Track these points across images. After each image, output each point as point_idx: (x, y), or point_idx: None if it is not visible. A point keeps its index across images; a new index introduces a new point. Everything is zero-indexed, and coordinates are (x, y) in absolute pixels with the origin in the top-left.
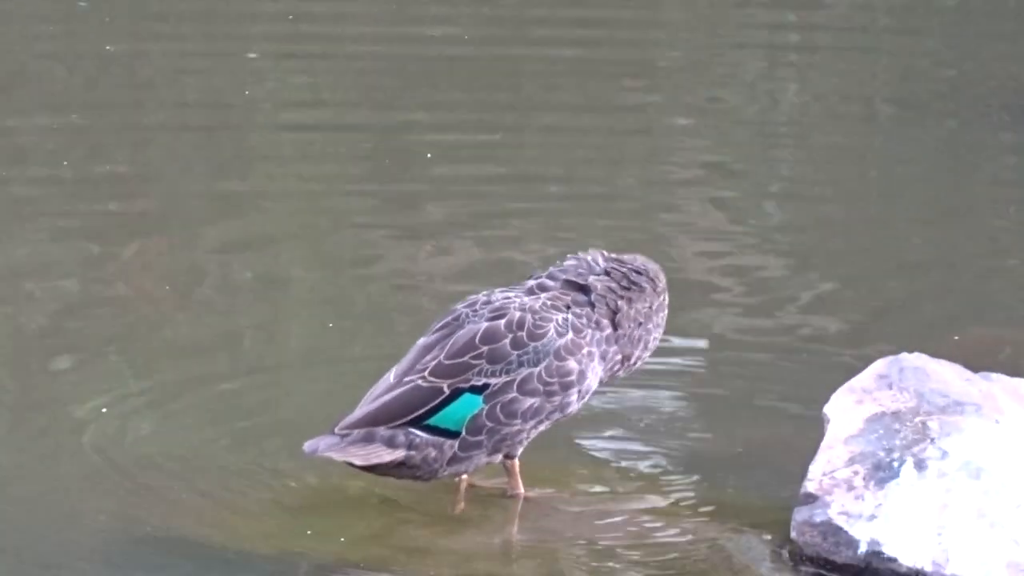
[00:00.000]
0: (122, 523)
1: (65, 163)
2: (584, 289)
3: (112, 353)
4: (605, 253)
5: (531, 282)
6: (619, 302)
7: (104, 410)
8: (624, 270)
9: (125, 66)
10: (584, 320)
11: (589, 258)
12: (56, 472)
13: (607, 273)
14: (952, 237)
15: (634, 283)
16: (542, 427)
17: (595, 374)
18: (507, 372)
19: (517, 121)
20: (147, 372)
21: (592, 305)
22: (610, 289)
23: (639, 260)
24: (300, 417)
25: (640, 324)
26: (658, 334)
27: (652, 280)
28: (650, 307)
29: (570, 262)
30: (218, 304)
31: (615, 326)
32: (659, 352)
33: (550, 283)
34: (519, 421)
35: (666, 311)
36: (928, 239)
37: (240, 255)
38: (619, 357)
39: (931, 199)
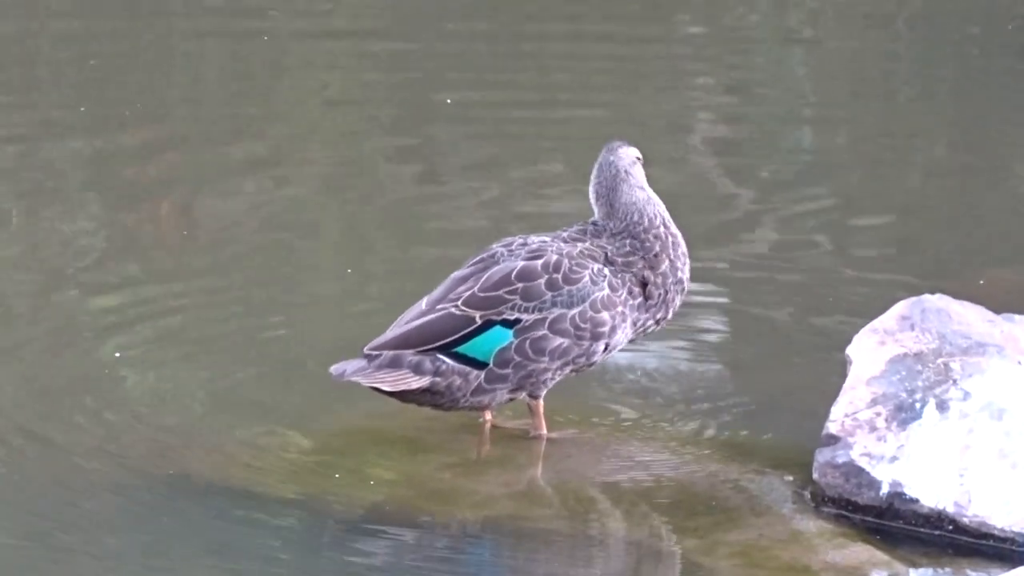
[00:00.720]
0: (147, 467)
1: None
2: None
3: (134, 296)
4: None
5: (565, 232)
6: (645, 272)
7: (124, 353)
8: (634, 235)
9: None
10: (620, 280)
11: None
12: (78, 414)
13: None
14: (976, 179)
15: (647, 248)
16: (566, 371)
17: (624, 334)
18: (540, 310)
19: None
20: (168, 315)
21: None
22: (628, 263)
23: (635, 212)
24: (323, 360)
25: (666, 290)
26: (685, 278)
27: (656, 233)
28: (670, 263)
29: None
30: (240, 246)
31: (646, 296)
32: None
33: (581, 235)
34: (546, 359)
35: (683, 254)
36: (952, 181)
37: (264, 197)
38: (651, 322)
39: (956, 139)
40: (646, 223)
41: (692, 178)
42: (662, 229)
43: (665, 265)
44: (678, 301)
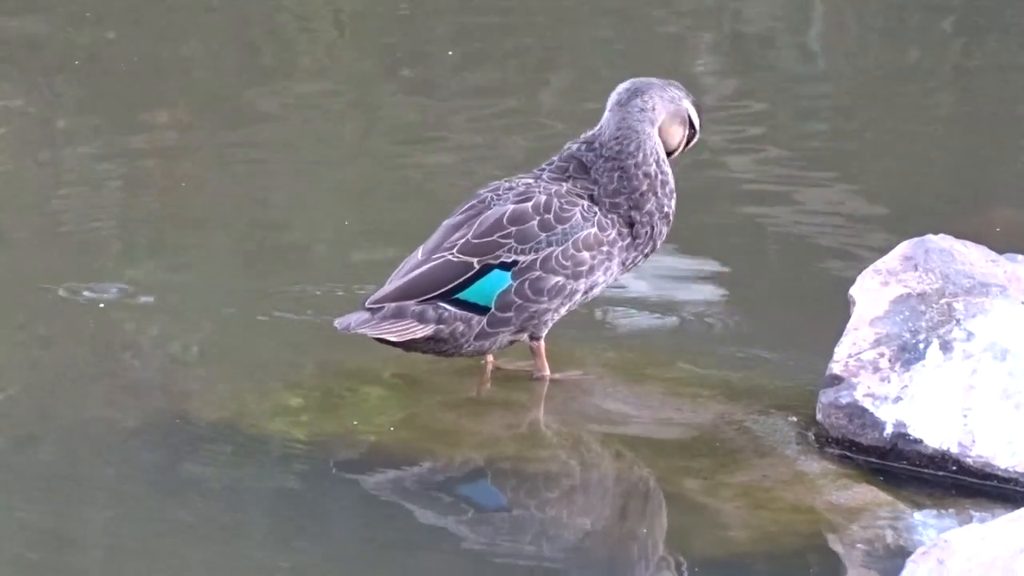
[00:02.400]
0: (153, 412)
1: (88, 15)
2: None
3: (138, 240)
4: (585, 144)
5: (545, 171)
6: (631, 213)
7: (130, 298)
8: (623, 168)
9: None
10: (609, 220)
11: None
12: (83, 360)
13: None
14: (978, 118)
15: (635, 186)
16: (565, 308)
17: (609, 274)
18: (536, 251)
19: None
20: (164, 266)
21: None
22: (615, 204)
23: (633, 141)
24: (324, 306)
25: (652, 226)
26: (670, 212)
27: (646, 171)
28: (656, 200)
29: (572, 149)
30: (241, 196)
31: (633, 236)
32: (685, 240)
33: (561, 174)
34: (546, 299)
35: (671, 191)
36: (953, 120)
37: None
38: (640, 258)
39: (957, 80)
40: (640, 157)
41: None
42: (654, 168)
43: (651, 203)
44: (664, 231)
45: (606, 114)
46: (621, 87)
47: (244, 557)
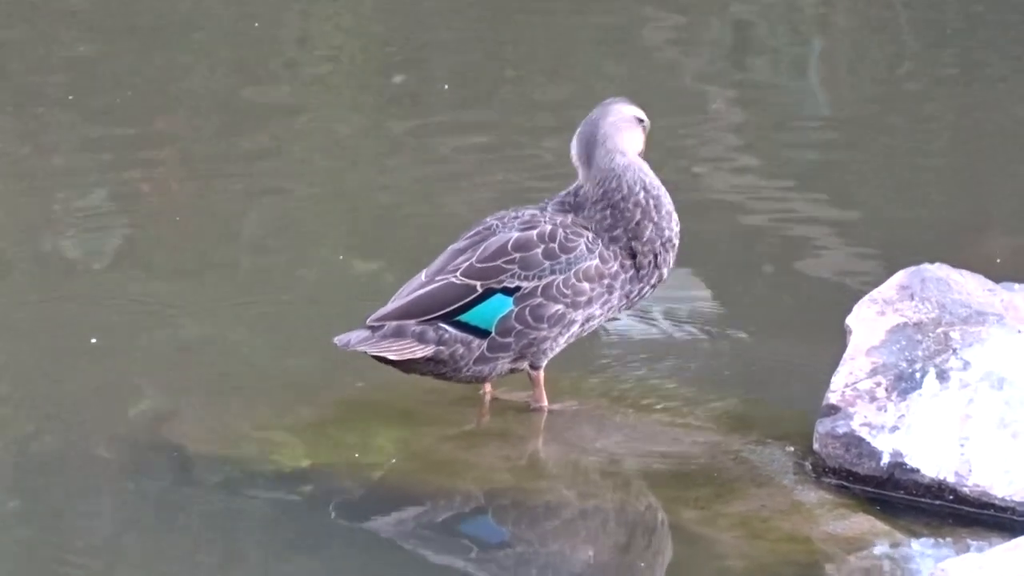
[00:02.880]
0: (148, 440)
1: (81, 48)
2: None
3: (136, 264)
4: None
5: (549, 205)
6: (632, 244)
7: (125, 325)
8: (613, 205)
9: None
10: (611, 252)
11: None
12: (82, 385)
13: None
14: (974, 146)
15: (628, 218)
16: (564, 339)
17: (605, 307)
18: (539, 278)
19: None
20: (165, 286)
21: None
22: (615, 238)
23: (613, 179)
24: (322, 333)
25: (655, 254)
26: (673, 235)
27: (635, 200)
28: (654, 226)
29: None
30: (237, 225)
31: (637, 267)
32: (684, 266)
33: (562, 208)
34: (546, 326)
35: (668, 213)
36: (949, 150)
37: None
38: (647, 289)
39: (953, 108)
40: (625, 191)
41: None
42: (642, 195)
43: (649, 230)
44: (671, 258)
45: (579, 172)
46: (574, 147)
47: None
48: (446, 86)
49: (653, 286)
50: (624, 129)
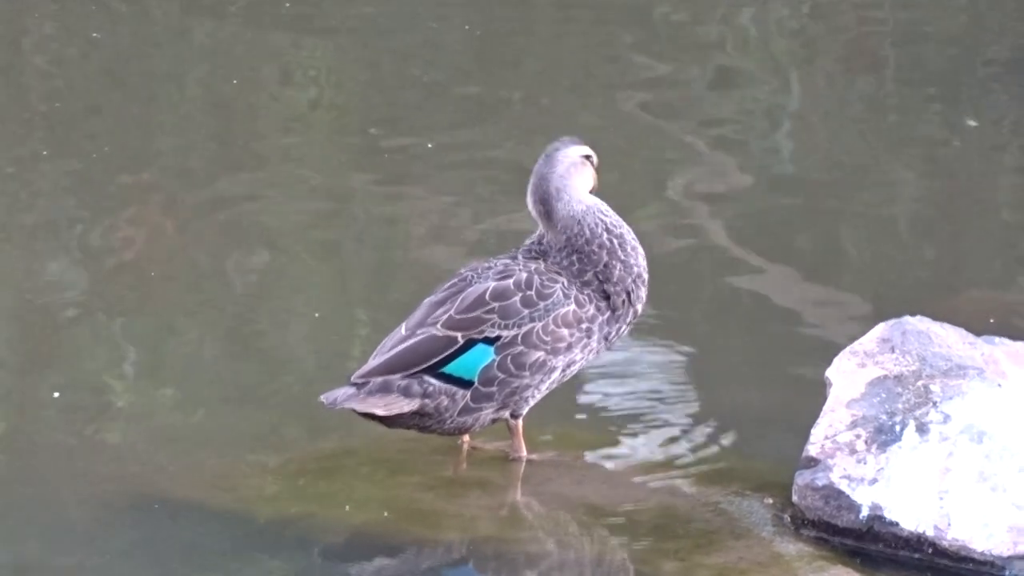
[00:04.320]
0: (119, 491)
1: (58, 105)
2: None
3: (116, 316)
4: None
5: (520, 253)
6: (605, 287)
7: (111, 374)
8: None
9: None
10: (585, 296)
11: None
12: (60, 434)
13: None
14: (952, 199)
15: (595, 261)
16: (545, 386)
17: (586, 351)
18: (518, 326)
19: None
20: (151, 337)
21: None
22: (586, 282)
23: (574, 224)
24: (299, 381)
25: (628, 292)
26: (642, 270)
27: (599, 243)
28: (622, 264)
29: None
30: (218, 265)
31: (612, 308)
32: (661, 316)
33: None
34: (527, 373)
35: (633, 248)
36: (928, 202)
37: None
38: (624, 328)
39: (931, 161)
40: (587, 234)
41: (670, 206)
42: (605, 236)
43: (618, 269)
44: (643, 293)
45: (540, 224)
46: (530, 204)
47: None
48: (429, 144)
49: (629, 324)
50: (574, 174)
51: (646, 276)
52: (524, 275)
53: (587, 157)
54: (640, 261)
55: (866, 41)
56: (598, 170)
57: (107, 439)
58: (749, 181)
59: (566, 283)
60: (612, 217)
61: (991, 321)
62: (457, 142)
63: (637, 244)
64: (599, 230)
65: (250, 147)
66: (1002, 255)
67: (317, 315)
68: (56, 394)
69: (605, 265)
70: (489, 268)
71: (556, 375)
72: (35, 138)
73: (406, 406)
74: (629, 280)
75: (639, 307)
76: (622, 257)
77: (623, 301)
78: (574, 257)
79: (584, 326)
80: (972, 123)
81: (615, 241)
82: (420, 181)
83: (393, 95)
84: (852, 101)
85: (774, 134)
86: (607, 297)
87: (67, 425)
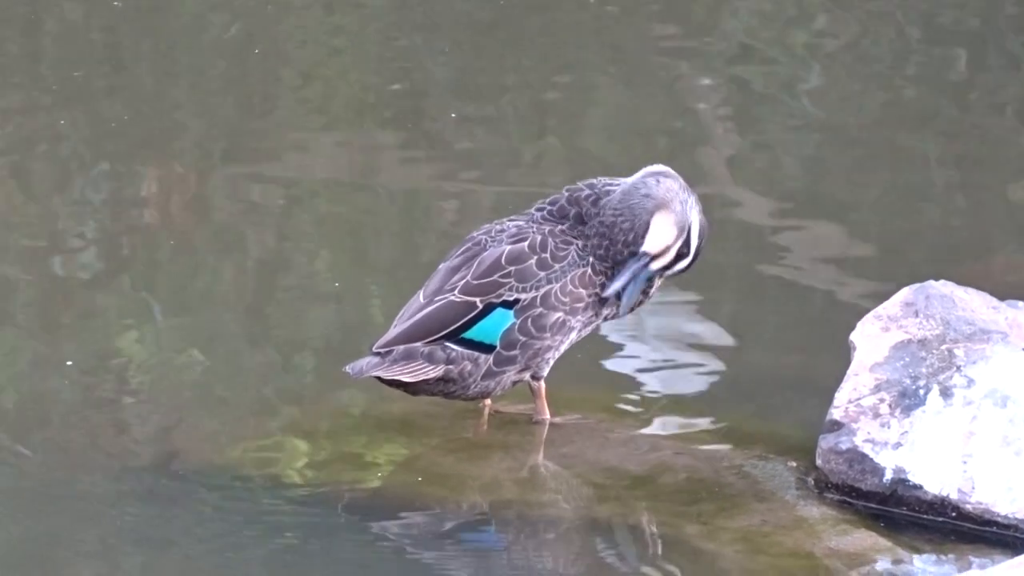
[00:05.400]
0: (147, 456)
1: (76, 71)
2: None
3: (139, 282)
4: (594, 197)
5: (537, 214)
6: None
7: (134, 339)
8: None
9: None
10: (599, 269)
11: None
12: (85, 399)
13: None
14: (976, 164)
15: (617, 259)
16: (564, 346)
17: (599, 316)
18: (536, 288)
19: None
20: (172, 302)
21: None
22: (601, 262)
23: (615, 216)
24: (321, 346)
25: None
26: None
27: (632, 250)
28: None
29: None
30: (240, 232)
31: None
32: (685, 282)
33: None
34: (548, 334)
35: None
36: (951, 166)
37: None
38: (612, 312)
39: (955, 125)
40: (631, 237)
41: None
42: (638, 246)
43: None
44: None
45: (629, 179)
46: (651, 168)
47: None
48: (453, 114)
49: (607, 318)
50: (672, 217)
51: (651, 295)
52: (539, 237)
53: (688, 238)
54: (656, 285)
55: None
56: (676, 264)
57: (125, 404)
58: (772, 147)
59: (580, 245)
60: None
61: (1015, 285)
62: (480, 115)
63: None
64: (641, 241)
65: (271, 114)
66: None
67: (337, 284)
68: (69, 363)
69: (623, 262)
70: (502, 231)
71: (574, 335)
72: (51, 98)
73: (431, 372)
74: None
75: (622, 314)
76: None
77: (616, 297)
78: (606, 243)
79: (596, 290)
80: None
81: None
82: (441, 150)
83: (419, 65)
84: (873, 66)
85: (798, 100)
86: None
87: (83, 392)
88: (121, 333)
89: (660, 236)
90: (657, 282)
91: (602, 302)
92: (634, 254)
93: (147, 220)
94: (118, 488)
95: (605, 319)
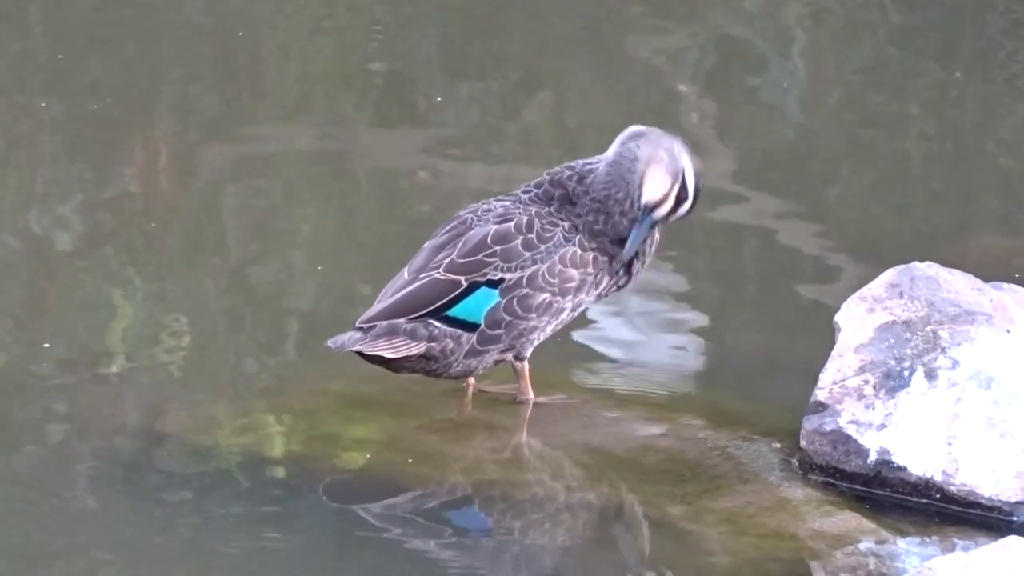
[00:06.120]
0: (134, 431)
1: (60, 56)
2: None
3: (120, 257)
4: (577, 176)
5: (524, 196)
6: (614, 250)
7: (114, 318)
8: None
9: None
10: (591, 246)
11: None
12: (69, 375)
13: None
14: (957, 145)
15: (616, 229)
16: (551, 327)
17: (590, 294)
18: (521, 268)
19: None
20: (154, 281)
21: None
22: (597, 238)
23: (607, 189)
24: (304, 325)
25: (631, 264)
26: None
27: (632, 217)
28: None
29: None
30: (222, 210)
31: (611, 263)
32: (669, 263)
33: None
34: (534, 315)
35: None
36: (937, 148)
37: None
38: (612, 287)
39: (935, 107)
40: (627, 205)
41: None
42: (637, 212)
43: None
44: (641, 269)
45: (608, 151)
46: (626, 132)
47: None
48: (439, 98)
49: (619, 287)
50: (664, 166)
51: (649, 260)
52: (525, 218)
53: (684, 182)
54: (651, 250)
55: None
56: (677, 209)
57: (106, 384)
58: (756, 127)
59: (567, 226)
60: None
61: (999, 267)
62: (467, 94)
63: (657, 241)
64: (637, 206)
65: (255, 93)
66: (1010, 202)
67: (320, 268)
68: (46, 345)
69: (624, 229)
70: (489, 211)
71: (565, 316)
72: (33, 77)
73: (413, 349)
74: (637, 261)
75: (635, 279)
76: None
77: (622, 269)
78: (601, 217)
79: (589, 269)
80: (957, 75)
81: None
82: (424, 127)
83: (403, 46)
84: (858, 47)
85: (780, 79)
86: (608, 255)
87: (62, 372)
88: (101, 312)
89: (656, 186)
90: (657, 235)
91: (609, 276)
92: (635, 221)
93: (129, 199)
94: (97, 469)
95: (619, 288)
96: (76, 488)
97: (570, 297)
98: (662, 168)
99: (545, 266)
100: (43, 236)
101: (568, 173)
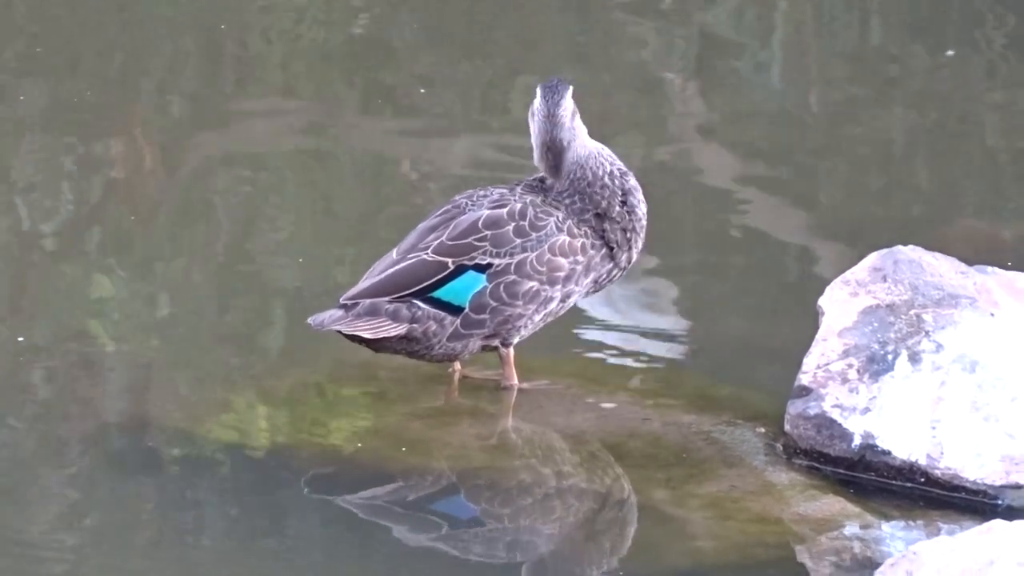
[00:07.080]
0: (119, 420)
1: (38, 49)
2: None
3: (103, 250)
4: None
5: (519, 186)
6: (604, 226)
7: (99, 307)
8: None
9: None
10: (581, 231)
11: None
12: (54, 365)
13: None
14: (940, 129)
15: (596, 202)
16: (540, 316)
17: (581, 284)
18: (511, 255)
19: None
20: (137, 270)
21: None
22: (584, 220)
23: (577, 169)
24: (288, 311)
25: (624, 231)
26: (642, 214)
27: (602, 184)
28: (626, 208)
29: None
30: (206, 196)
31: (608, 245)
32: (654, 249)
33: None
34: (520, 303)
35: (634, 188)
36: (920, 132)
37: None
38: (616, 271)
39: (918, 92)
40: (590, 177)
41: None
42: (607, 179)
43: (617, 208)
44: (640, 240)
45: (539, 165)
46: (537, 156)
47: (207, 573)
48: (423, 90)
49: (623, 268)
50: (576, 120)
51: (644, 222)
52: (519, 205)
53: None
54: (641, 208)
55: None
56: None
57: (90, 373)
58: (738, 114)
59: (561, 216)
60: (617, 163)
61: (982, 252)
62: (453, 80)
63: (639, 192)
64: (600, 172)
65: (239, 80)
66: (993, 185)
67: (302, 260)
68: (20, 338)
69: (608, 204)
70: (484, 196)
71: (553, 306)
72: (15, 65)
73: (393, 330)
74: (628, 222)
75: (635, 253)
76: (623, 199)
77: (618, 243)
78: (576, 198)
79: (580, 258)
80: (950, 52)
81: (616, 181)
82: (409, 110)
83: (387, 35)
84: (839, 32)
85: (763, 65)
86: (603, 238)
87: (47, 360)
88: (85, 301)
89: (580, 122)
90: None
91: (587, 270)
92: (606, 186)
93: (111, 188)
94: (83, 458)
95: (611, 280)
96: (59, 476)
97: (559, 287)
98: (568, 105)
99: (534, 254)
100: (27, 225)
101: (534, 177)
